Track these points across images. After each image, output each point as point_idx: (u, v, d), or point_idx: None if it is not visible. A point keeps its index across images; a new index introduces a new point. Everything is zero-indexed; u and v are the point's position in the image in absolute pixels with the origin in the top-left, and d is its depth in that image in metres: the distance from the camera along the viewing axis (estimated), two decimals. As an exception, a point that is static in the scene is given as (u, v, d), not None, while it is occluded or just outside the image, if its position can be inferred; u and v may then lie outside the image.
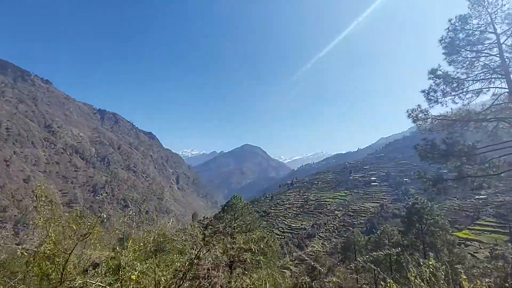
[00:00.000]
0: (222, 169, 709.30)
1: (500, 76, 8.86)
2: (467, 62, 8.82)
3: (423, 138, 8.60)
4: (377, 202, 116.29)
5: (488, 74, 9.03)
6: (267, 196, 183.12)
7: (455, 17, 8.72)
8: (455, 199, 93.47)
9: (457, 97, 8.97)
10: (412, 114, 8.33)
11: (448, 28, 8.86)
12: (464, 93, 8.97)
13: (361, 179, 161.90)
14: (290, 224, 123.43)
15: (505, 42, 8.92)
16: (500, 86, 8.85)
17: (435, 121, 8.72)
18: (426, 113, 8.43)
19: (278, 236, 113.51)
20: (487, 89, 9.09)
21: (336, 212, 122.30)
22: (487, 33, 8.90)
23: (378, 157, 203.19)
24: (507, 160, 8.81)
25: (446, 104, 9.04)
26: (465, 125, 8.94)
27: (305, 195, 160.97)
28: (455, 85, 8.70)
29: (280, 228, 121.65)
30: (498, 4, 8.39)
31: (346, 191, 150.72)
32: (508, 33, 8.86)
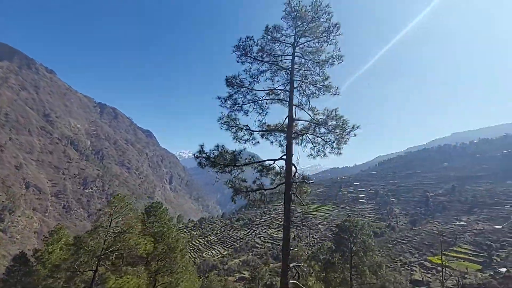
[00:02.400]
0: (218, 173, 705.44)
1: (287, 91, 8.88)
2: (260, 73, 8.76)
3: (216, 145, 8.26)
4: (361, 220, 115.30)
5: (281, 86, 8.99)
6: (299, 205, 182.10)
7: (267, 27, 8.39)
8: (437, 223, 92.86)
9: (251, 106, 8.92)
10: (221, 120, 8.36)
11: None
12: (259, 103, 8.93)
13: (350, 195, 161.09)
14: (272, 234, 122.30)
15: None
16: (286, 99, 8.81)
17: (239, 129, 8.72)
18: (234, 121, 8.43)
19: (258, 246, 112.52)
20: (273, 101, 9.06)
21: (319, 226, 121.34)
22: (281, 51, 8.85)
23: (370, 175, 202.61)
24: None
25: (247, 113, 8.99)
26: (269, 135, 8.96)
27: (293, 206, 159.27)
28: (250, 95, 8.70)
29: (262, 237, 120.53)
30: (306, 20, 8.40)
31: (333, 206, 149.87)
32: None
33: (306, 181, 8.67)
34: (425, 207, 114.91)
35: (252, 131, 8.84)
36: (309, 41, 8.86)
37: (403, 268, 69.61)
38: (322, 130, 8.59)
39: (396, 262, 74.72)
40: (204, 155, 7.80)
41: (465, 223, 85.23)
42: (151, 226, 14.75)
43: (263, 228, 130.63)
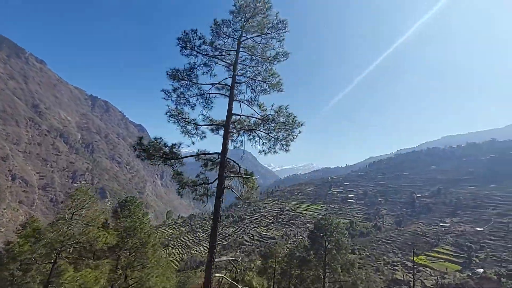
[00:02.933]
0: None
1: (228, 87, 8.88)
2: (204, 66, 8.46)
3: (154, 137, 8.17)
4: (348, 219, 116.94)
5: (224, 81, 8.92)
6: (245, 201, 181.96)
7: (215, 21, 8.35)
8: (421, 224, 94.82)
9: (197, 99, 8.92)
10: (168, 114, 8.32)
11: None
12: (205, 97, 8.94)
13: (339, 195, 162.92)
14: (261, 232, 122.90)
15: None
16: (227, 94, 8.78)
17: (187, 123, 8.70)
18: (181, 115, 8.40)
19: (246, 243, 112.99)
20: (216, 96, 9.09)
21: (308, 224, 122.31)
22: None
23: (360, 175, 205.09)
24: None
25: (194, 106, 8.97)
26: (219, 129, 8.95)
27: (282, 204, 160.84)
28: (195, 88, 8.67)
29: (250, 235, 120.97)
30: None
31: (323, 205, 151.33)
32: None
33: (244, 176, 8.68)
34: (411, 208, 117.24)
35: (198, 125, 8.74)
36: (255, 36, 8.79)
37: (385, 268, 71.10)
38: (272, 126, 8.53)
39: (380, 261, 76.19)
40: (142, 147, 7.64)
41: (448, 224, 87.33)
42: (124, 221, 14.70)
43: (252, 226, 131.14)
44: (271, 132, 8.58)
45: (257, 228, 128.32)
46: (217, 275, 8.13)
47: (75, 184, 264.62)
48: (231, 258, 9.28)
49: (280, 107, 8.36)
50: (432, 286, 52.50)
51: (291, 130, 8.44)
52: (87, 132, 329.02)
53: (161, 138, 7.97)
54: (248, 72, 9.04)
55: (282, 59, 8.75)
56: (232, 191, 8.79)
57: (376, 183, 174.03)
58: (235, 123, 9.05)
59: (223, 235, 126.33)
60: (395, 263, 69.80)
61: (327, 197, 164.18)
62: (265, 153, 9.07)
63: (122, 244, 13.86)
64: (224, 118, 8.62)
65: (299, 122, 8.31)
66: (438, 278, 55.23)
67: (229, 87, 8.66)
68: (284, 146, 8.70)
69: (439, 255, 68.86)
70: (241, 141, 9.31)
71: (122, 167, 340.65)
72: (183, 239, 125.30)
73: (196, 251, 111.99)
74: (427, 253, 71.48)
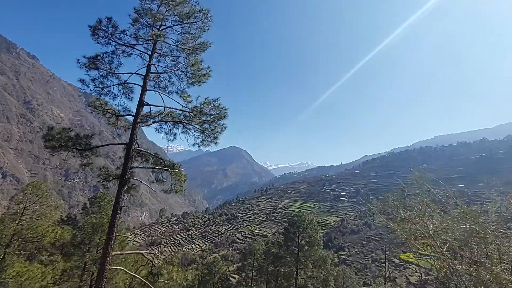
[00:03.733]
0: (205, 168, 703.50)
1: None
2: (119, 55, 8.23)
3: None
4: (340, 217, 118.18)
5: (140, 71, 8.52)
6: (239, 199, 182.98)
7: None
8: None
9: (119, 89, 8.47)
10: (91, 105, 8.14)
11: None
12: (124, 86, 8.58)
13: (332, 193, 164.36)
14: (253, 230, 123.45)
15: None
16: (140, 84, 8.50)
17: (110, 115, 8.52)
18: (103, 105, 8.23)
19: (238, 241, 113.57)
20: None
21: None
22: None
23: (353, 174, 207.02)
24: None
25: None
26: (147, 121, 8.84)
27: (276, 202, 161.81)
28: (114, 78, 8.46)
29: (243, 232, 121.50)
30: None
31: (315, 203, 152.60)
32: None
33: (159, 168, 8.48)
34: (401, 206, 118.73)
35: (118, 115, 8.47)
36: (176, 25, 8.59)
37: (373, 265, 72.32)
38: (202, 119, 8.40)
39: (368, 258, 77.39)
40: (51, 137, 7.31)
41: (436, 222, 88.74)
42: (92, 217, 14.88)
43: (244, 224, 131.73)
44: (198, 124, 8.47)
45: (250, 226, 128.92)
46: (113, 267, 8.03)
47: (69, 182, 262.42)
48: (139, 251, 9.25)
49: (206, 98, 8.26)
50: (416, 283, 53.61)
51: (217, 122, 8.38)
52: (81, 129, 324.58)
53: (70, 128, 7.83)
54: (169, 62, 8.80)
55: (203, 49, 8.60)
56: (142, 182, 8.65)
57: (368, 181, 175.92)
58: (162, 115, 8.78)
59: (216, 233, 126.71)
60: (382, 260, 70.93)
61: (320, 195, 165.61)
62: (198, 146, 8.92)
63: (88, 241, 14.04)
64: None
65: (224, 114, 8.29)
66: (422, 274, 56.37)
67: (150, 77, 8.46)
68: (213, 140, 8.64)
69: (426, 252, 69.98)
70: (175, 134, 9.20)
71: (116, 165, 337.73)
72: (175, 237, 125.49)
73: (188, 249, 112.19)
74: (415, 250, 72.63)
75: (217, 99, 8.32)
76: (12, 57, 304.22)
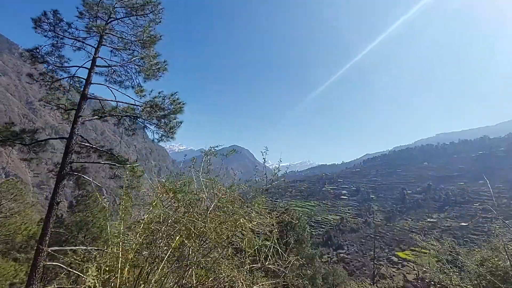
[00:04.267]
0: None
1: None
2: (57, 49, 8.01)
3: None
4: (339, 215, 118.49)
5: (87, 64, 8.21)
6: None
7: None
8: (410, 220, 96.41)
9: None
10: (43, 99, 8.01)
11: None
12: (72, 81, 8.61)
13: (333, 191, 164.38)
14: (252, 228, 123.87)
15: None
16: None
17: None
18: (56, 100, 8.13)
19: (238, 239, 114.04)
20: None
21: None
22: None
23: (354, 172, 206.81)
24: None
25: None
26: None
27: (276, 201, 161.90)
28: (65, 73, 8.29)
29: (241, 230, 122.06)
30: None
31: (316, 202, 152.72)
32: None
33: (107, 162, 8.43)
34: (401, 205, 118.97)
35: (66, 110, 8.44)
36: (126, 17, 8.46)
37: (372, 262, 72.67)
38: (160, 113, 8.27)
39: (367, 256, 77.78)
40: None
41: (435, 220, 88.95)
42: (76, 215, 15.29)
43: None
44: (156, 119, 8.40)
45: (249, 224, 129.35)
46: (48, 263, 7.58)
47: (71, 182, 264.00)
48: (81, 247, 9.19)
49: (160, 92, 8.21)
50: (413, 280, 53.95)
51: (173, 116, 8.33)
52: (83, 129, 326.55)
53: (13, 123, 7.71)
54: (125, 56, 8.68)
55: (153, 42, 8.50)
56: (84, 177, 8.39)
57: (369, 180, 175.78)
58: (119, 110, 8.72)
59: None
60: (381, 258, 71.31)
61: (321, 194, 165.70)
62: (158, 141, 8.94)
63: (72, 239, 14.45)
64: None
65: (180, 109, 8.23)
66: (419, 272, 56.68)
67: (102, 71, 8.54)
68: (170, 135, 8.65)
69: (424, 250, 70.30)
70: (134, 129, 9.22)
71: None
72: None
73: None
74: (413, 248, 72.97)
75: (174, 93, 8.21)
76: (14, 58, 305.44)
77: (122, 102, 8.63)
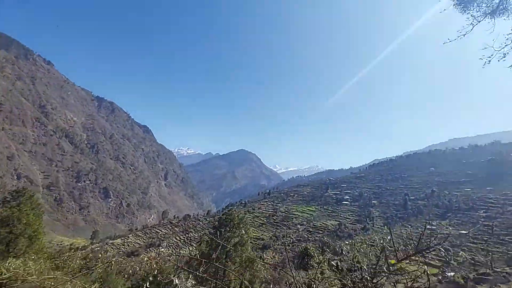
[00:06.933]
0: (215, 171, 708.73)
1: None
2: None
3: None
4: (338, 221, 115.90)
5: None
6: (242, 202, 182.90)
7: None
8: (410, 226, 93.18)
9: None
10: None
11: None
12: None
13: (335, 197, 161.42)
14: (252, 233, 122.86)
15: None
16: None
17: None
18: None
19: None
20: None
21: (298, 226, 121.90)
22: None
23: (358, 177, 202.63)
24: None
25: None
26: None
27: (278, 206, 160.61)
28: None
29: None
30: None
31: (317, 207, 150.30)
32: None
33: None
34: (403, 211, 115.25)
35: None
36: None
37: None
38: None
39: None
40: None
41: (434, 227, 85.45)
42: (2, 211, 15.36)
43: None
44: None
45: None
46: None
47: (79, 184, 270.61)
48: None
49: None
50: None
51: None
52: (92, 133, 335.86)
53: None
54: None
55: None
56: None
57: (373, 185, 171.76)
58: None
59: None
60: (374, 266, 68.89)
61: (323, 199, 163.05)
62: None
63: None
64: None
65: None
66: (408, 282, 54.34)
67: None
68: None
69: (419, 258, 67.45)
70: None
71: (126, 168, 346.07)
72: (175, 239, 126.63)
73: (185, 251, 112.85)
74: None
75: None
76: (29, 63, 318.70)
77: None
